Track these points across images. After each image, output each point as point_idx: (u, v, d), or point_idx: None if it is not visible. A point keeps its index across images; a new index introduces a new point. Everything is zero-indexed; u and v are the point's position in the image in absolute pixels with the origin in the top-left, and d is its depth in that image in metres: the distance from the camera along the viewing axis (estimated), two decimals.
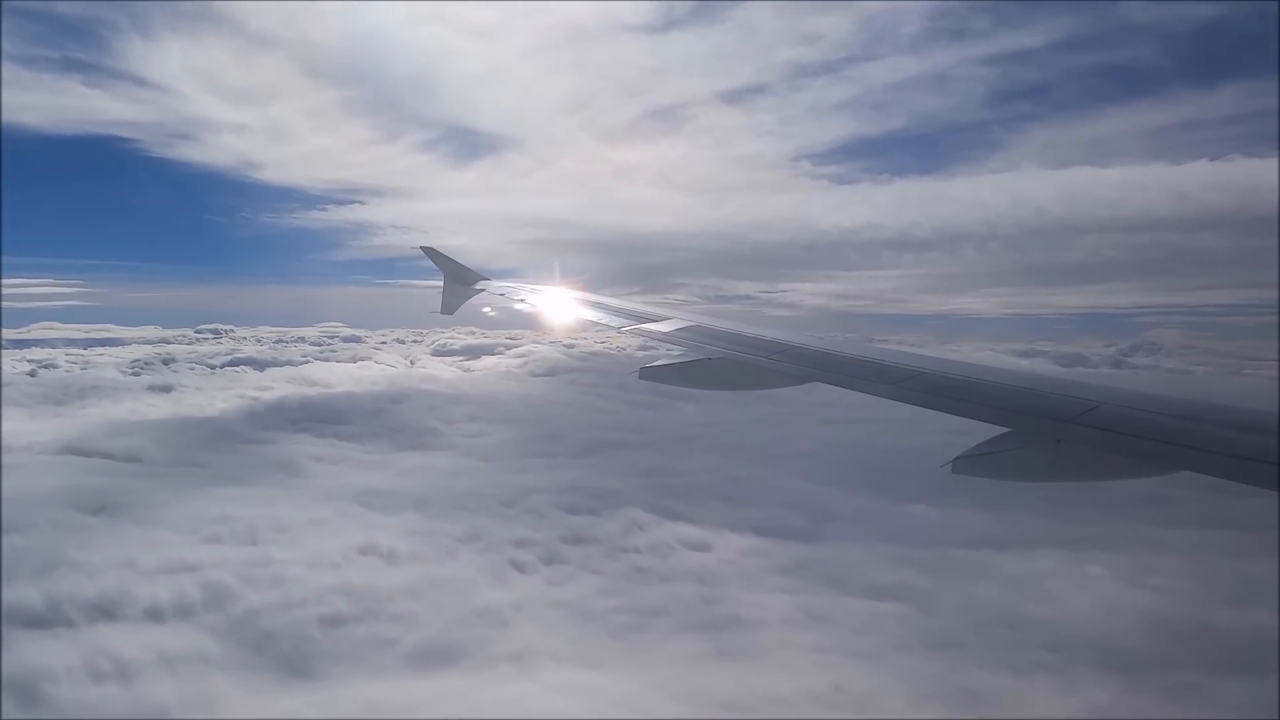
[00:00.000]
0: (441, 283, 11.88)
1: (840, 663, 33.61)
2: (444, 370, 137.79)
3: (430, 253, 11.91)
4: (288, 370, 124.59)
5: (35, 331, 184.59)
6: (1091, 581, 42.95)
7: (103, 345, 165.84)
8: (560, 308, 9.40)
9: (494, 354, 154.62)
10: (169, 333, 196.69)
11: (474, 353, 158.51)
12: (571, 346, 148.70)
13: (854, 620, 38.34)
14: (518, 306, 10.04)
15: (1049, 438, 4.00)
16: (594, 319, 8.21)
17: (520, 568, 40.81)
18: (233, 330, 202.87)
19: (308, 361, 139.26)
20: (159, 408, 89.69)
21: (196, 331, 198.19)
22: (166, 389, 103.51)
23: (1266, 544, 47.64)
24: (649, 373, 6.12)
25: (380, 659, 31.15)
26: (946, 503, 58.28)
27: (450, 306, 11.44)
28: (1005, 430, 4.14)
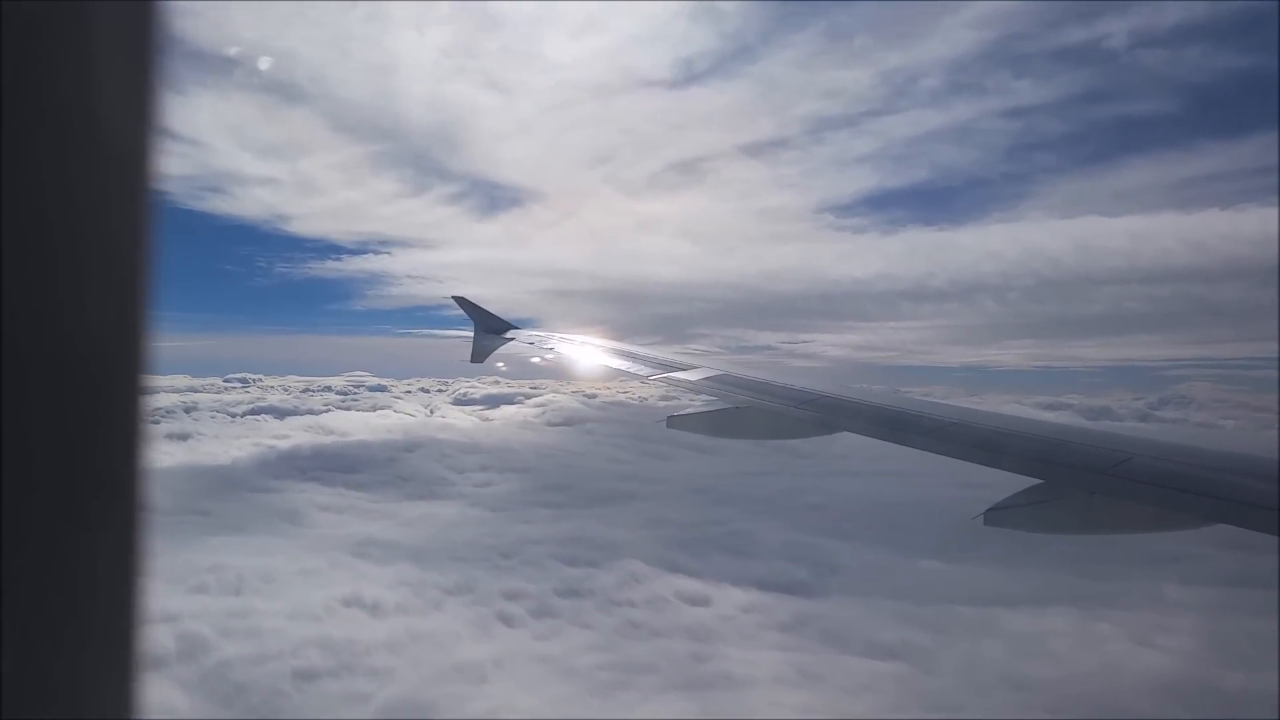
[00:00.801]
0: (469, 332, 12.02)
1: None
2: (462, 419, 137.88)
3: (461, 302, 12.06)
4: (307, 419, 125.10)
5: None
6: (1100, 641, 41.37)
7: None
8: (589, 356, 9.39)
9: (514, 403, 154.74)
10: (198, 381, 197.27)
11: (494, 402, 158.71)
12: (593, 396, 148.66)
13: (850, 680, 37.04)
14: (547, 355, 10.10)
15: (1082, 490, 3.95)
16: (622, 368, 8.21)
17: (508, 621, 39.94)
18: (261, 379, 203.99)
19: (329, 410, 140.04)
20: (173, 455, 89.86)
21: (225, 380, 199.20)
22: (184, 437, 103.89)
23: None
24: (677, 421, 6.17)
25: (352, 714, 30.32)
26: (959, 558, 56.73)
27: (481, 355, 11.51)
28: (1034, 483, 4.09)
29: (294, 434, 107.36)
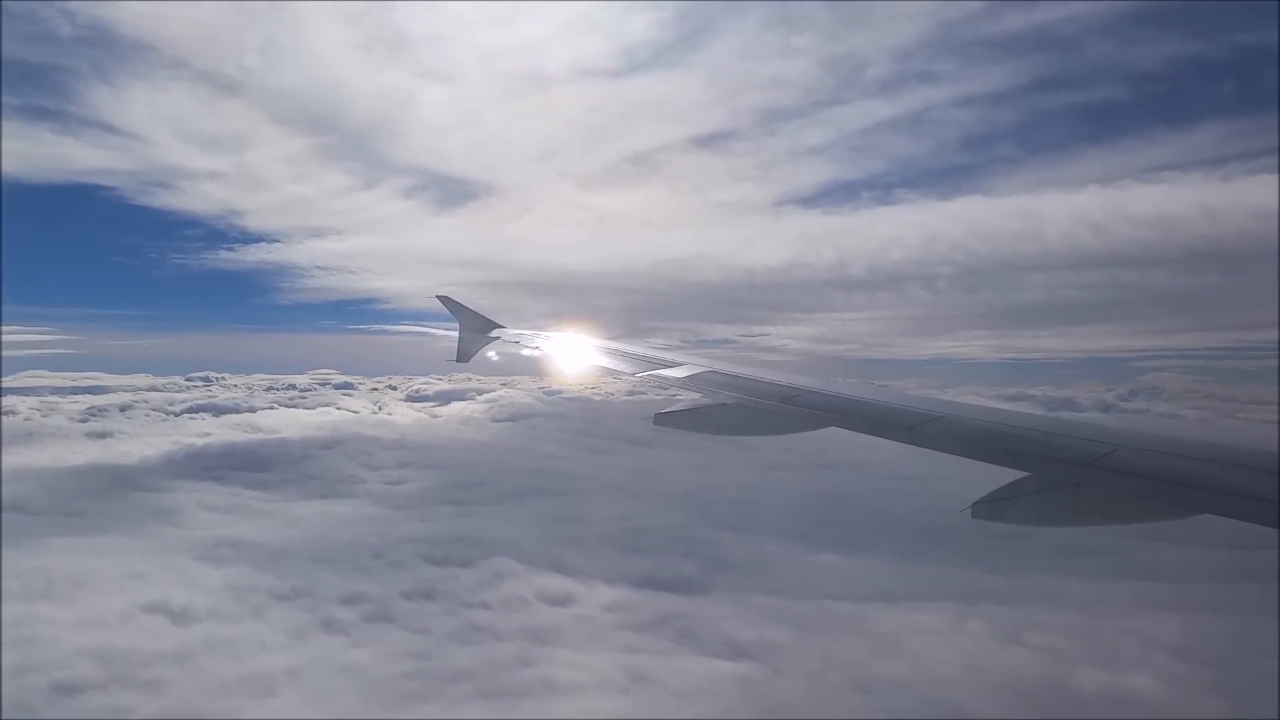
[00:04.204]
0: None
1: None
2: (406, 416, 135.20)
3: (446, 301, 11.97)
4: (243, 417, 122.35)
5: (22, 380, 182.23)
6: (967, 639, 39.18)
7: (89, 393, 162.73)
8: (573, 354, 9.28)
9: (465, 400, 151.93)
10: (160, 380, 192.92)
11: (446, 398, 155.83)
12: (555, 393, 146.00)
13: (687, 683, 34.71)
14: (531, 353, 10.06)
15: (1067, 482, 3.96)
16: (607, 365, 8.11)
17: (330, 627, 37.44)
18: (225, 378, 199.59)
19: (272, 409, 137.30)
20: (82, 454, 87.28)
21: (187, 379, 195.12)
22: (103, 436, 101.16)
23: (1179, 597, 43.96)
24: (664, 418, 6.06)
25: None
26: (862, 552, 54.85)
27: (466, 354, 11.54)
28: (1015, 475, 4.11)
29: (218, 432, 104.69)
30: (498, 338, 11.38)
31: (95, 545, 47.46)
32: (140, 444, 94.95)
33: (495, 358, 11.52)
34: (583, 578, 47.28)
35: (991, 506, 3.99)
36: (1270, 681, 34.51)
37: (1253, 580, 43.70)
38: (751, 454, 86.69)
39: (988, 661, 36.16)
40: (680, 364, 7.29)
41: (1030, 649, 37.47)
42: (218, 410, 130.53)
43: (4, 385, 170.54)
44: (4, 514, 57.58)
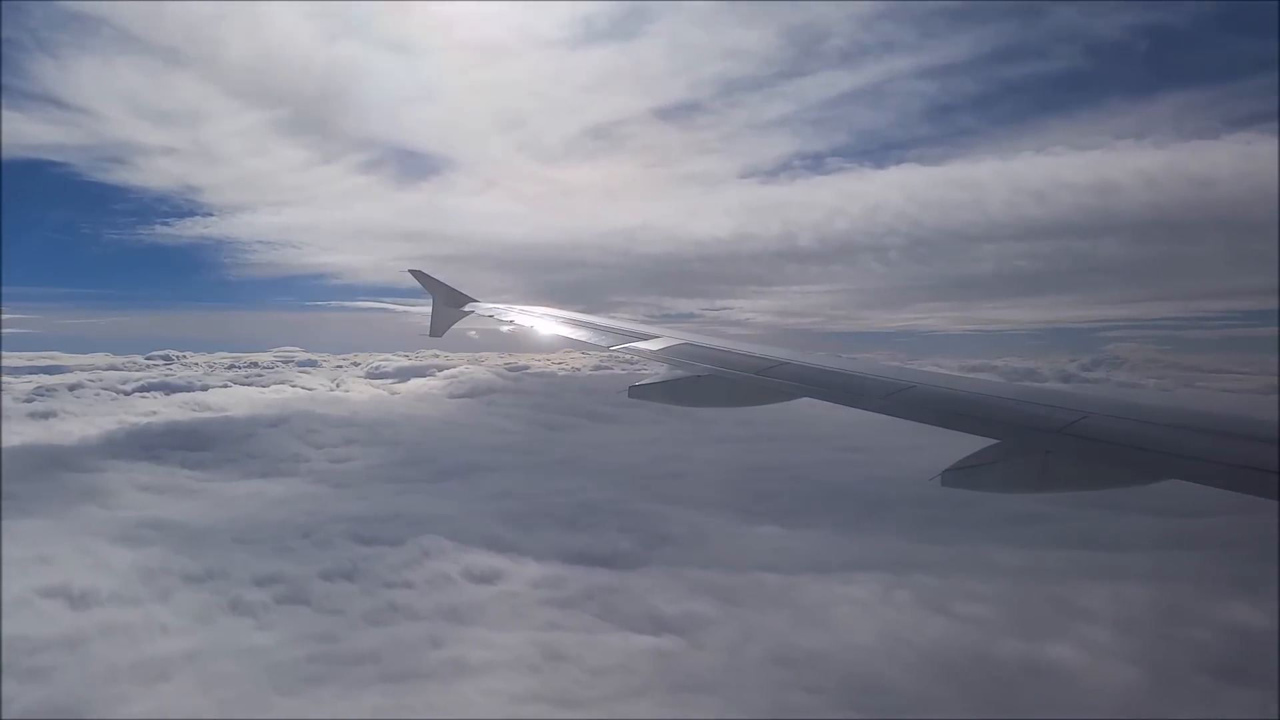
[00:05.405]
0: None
1: (543, 712, 29.34)
2: (363, 393, 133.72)
3: (419, 276, 11.95)
4: (191, 395, 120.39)
5: None
6: (893, 609, 38.83)
7: (44, 373, 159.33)
8: (547, 327, 9.22)
9: (425, 376, 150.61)
10: (119, 359, 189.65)
11: (405, 375, 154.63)
12: (520, 368, 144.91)
13: (603, 659, 34.08)
14: (505, 327, 10.07)
15: (1037, 449, 4.01)
16: (581, 338, 8.13)
17: (238, 609, 36.44)
18: (186, 356, 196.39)
19: (225, 387, 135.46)
20: (20, 435, 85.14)
21: (147, 358, 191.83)
22: (46, 416, 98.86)
23: (1114, 565, 43.80)
24: (639, 391, 6.11)
25: None
26: (803, 523, 54.36)
27: (440, 329, 11.58)
28: (975, 444, 4.19)
29: (165, 410, 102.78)
30: (471, 312, 11.32)
31: (11, 529, 45.95)
32: (83, 424, 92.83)
33: (474, 335, 11.87)
34: (514, 554, 46.48)
35: (961, 474, 3.99)
36: (1193, 650, 34.69)
37: (1190, 548, 44.03)
38: (708, 428, 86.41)
39: (911, 632, 35.78)
40: (655, 336, 7.28)
41: (955, 619, 37.15)
42: (169, 389, 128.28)
43: None
44: None
